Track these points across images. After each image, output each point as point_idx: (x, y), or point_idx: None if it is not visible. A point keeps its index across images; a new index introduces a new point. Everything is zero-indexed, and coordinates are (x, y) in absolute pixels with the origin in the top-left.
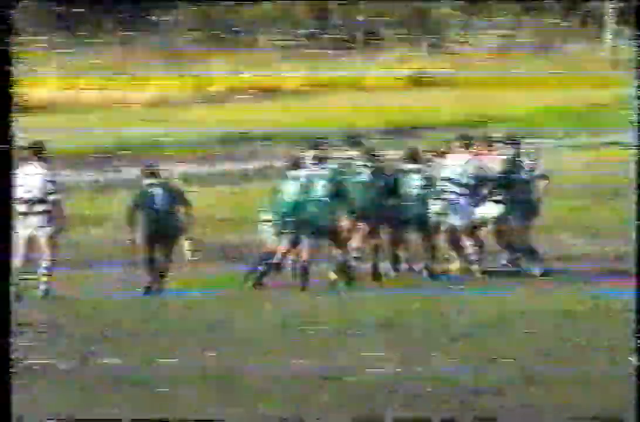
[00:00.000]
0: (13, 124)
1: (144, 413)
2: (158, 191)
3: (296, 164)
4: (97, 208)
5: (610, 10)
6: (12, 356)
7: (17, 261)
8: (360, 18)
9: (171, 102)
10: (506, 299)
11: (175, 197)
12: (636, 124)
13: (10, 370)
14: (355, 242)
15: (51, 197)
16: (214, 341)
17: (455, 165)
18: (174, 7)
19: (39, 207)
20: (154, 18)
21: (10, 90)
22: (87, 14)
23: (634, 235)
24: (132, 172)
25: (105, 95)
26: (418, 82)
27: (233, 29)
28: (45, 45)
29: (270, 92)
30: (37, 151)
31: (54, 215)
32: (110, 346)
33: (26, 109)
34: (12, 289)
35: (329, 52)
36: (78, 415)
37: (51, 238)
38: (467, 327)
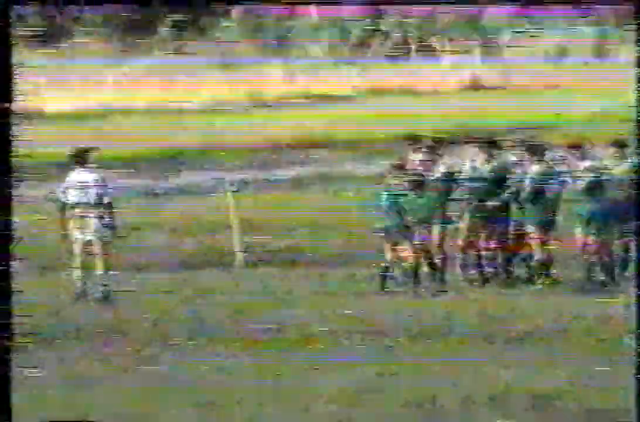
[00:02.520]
0: (12, 129)
1: None
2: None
3: (402, 167)
4: (152, 214)
5: None
6: (12, 356)
7: (75, 265)
8: (413, 23)
9: (225, 108)
10: None
11: None
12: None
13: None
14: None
15: (106, 201)
16: None
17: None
18: (227, 14)
19: (94, 212)
20: (207, 25)
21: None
22: (141, 21)
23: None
24: (188, 178)
25: (158, 101)
26: (473, 87)
27: (286, 35)
28: (100, 51)
29: (323, 98)
30: (84, 158)
31: (108, 220)
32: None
33: (82, 114)
34: (74, 291)
35: (383, 58)
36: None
37: (106, 242)
38: None
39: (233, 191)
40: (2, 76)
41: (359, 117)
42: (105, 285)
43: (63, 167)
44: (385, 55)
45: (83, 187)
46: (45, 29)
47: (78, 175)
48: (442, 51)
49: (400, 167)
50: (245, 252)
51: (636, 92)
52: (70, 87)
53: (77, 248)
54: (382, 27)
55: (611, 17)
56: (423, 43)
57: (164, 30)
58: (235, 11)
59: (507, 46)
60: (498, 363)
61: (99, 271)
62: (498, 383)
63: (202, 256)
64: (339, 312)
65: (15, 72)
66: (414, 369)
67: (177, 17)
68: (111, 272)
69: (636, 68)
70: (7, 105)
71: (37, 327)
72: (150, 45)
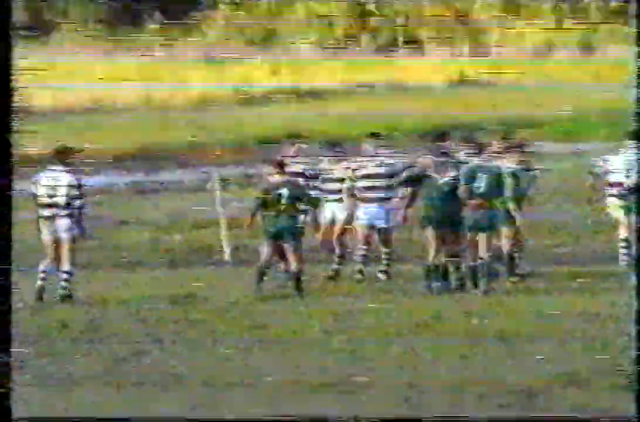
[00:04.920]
0: (13, 128)
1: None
2: None
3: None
4: (136, 211)
5: None
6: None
7: (42, 265)
8: (400, 20)
9: (211, 103)
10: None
11: None
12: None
13: (10, 372)
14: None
15: (76, 203)
16: None
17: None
18: (213, 9)
19: (64, 212)
20: (193, 19)
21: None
22: (127, 15)
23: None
24: (174, 174)
25: (145, 96)
26: (459, 83)
27: (272, 30)
28: (87, 46)
29: (309, 93)
30: (64, 156)
31: (77, 220)
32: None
33: (65, 110)
34: (36, 289)
35: (369, 54)
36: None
37: (73, 242)
38: None
39: (221, 187)
40: (2, 74)
41: (345, 112)
42: (66, 286)
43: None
44: (374, 49)
45: (55, 186)
46: (31, 23)
47: (52, 173)
48: (429, 48)
49: (280, 165)
50: (236, 249)
51: (636, 89)
52: (55, 82)
53: (44, 247)
54: (370, 22)
55: (599, 12)
56: (411, 38)
57: (150, 25)
58: (222, 6)
59: (495, 44)
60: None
61: (62, 271)
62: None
63: (189, 253)
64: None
65: (15, 70)
66: None
67: (164, 12)
68: (73, 273)
69: (636, 65)
70: (7, 102)
71: None
72: (136, 40)
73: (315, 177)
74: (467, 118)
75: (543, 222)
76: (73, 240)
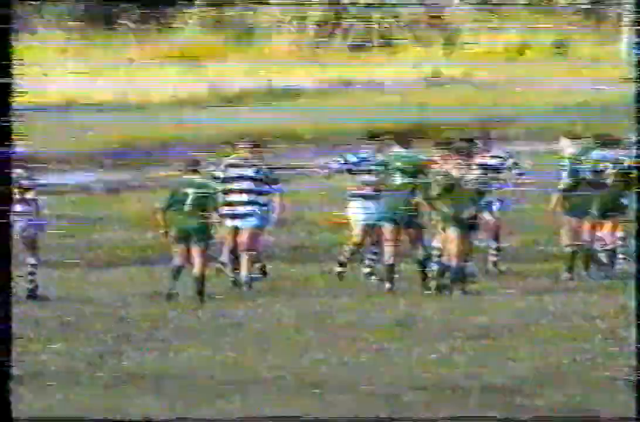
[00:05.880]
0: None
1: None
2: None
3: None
4: (111, 209)
5: (626, 10)
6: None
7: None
8: (375, 19)
9: (186, 102)
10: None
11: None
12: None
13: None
14: None
15: (29, 197)
16: None
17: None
18: (190, 6)
19: (20, 208)
20: (169, 17)
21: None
22: (101, 12)
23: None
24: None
25: (120, 93)
26: (434, 81)
27: (249, 29)
28: (60, 42)
29: (286, 92)
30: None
31: (34, 216)
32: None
33: (39, 107)
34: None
35: (345, 52)
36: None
37: (34, 239)
38: None
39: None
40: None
41: (322, 110)
42: (31, 281)
43: None
44: (348, 48)
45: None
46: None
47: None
48: (403, 47)
49: (193, 164)
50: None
51: (636, 87)
52: (30, 80)
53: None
54: (345, 21)
55: (572, 11)
56: (386, 37)
57: (126, 23)
58: (198, 5)
59: (469, 42)
60: None
61: (29, 267)
62: None
63: (164, 251)
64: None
65: (15, 68)
66: None
67: (140, 10)
68: (36, 270)
69: (636, 66)
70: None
71: None
72: (112, 38)
73: (265, 180)
74: (442, 116)
75: (519, 219)
76: (33, 237)
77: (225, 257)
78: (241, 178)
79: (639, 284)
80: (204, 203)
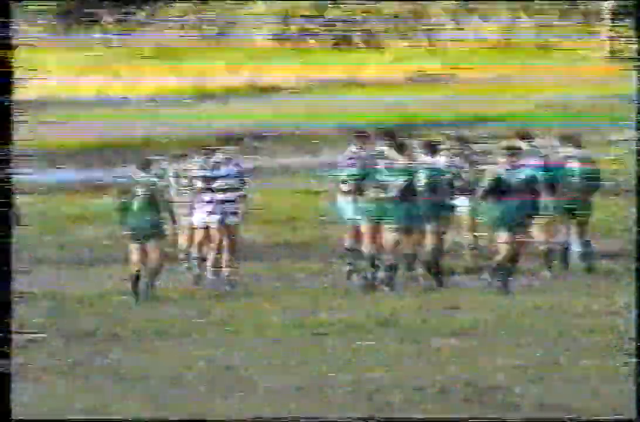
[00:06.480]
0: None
1: None
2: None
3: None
4: (93, 206)
5: (608, 8)
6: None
7: None
8: (356, 15)
9: (167, 99)
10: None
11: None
12: (637, 122)
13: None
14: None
15: None
16: None
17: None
18: (170, 2)
19: None
20: (148, 14)
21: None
22: (79, 10)
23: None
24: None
25: (100, 92)
26: (415, 79)
27: (228, 25)
28: (39, 41)
29: (266, 89)
30: None
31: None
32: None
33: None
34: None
35: (326, 49)
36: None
37: None
38: None
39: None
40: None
41: (302, 108)
42: None
43: None
44: (330, 46)
45: None
46: None
47: None
48: (385, 44)
49: (144, 164)
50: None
51: (636, 88)
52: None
53: None
54: (328, 18)
55: (554, 9)
56: (368, 34)
57: (105, 19)
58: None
59: (451, 40)
60: None
61: None
62: None
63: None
64: None
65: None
66: None
67: (118, 6)
68: None
69: (636, 63)
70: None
71: None
72: (91, 34)
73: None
74: (425, 114)
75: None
76: None
77: (190, 254)
78: (226, 176)
79: (639, 284)
80: (155, 202)
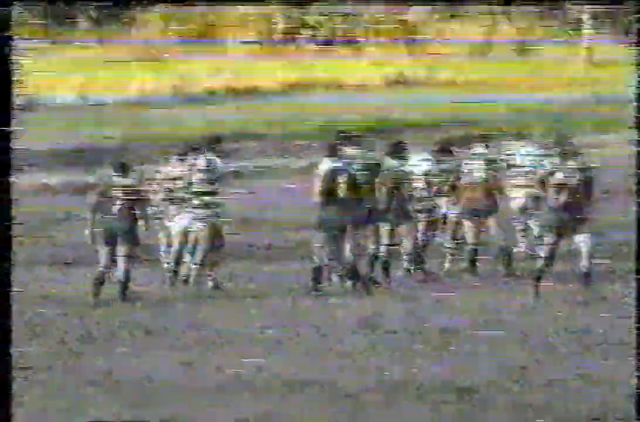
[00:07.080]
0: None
1: None
2: None
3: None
4: (75, 208)
5: (587, 12)
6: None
7: None
8: (338, 19)
9: (148, 101)
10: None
11: None
12: (635, 124)
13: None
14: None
15: None
16: None
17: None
18: (152, 5)
19: None
20: (131, 16)
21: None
22: (63, 11)
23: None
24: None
25: (80, 93)
26: (397, 82)
27: (211, 28)
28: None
29: (249, 91)
30: None
31: None
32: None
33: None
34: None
35: (309, 52)
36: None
37: None
38: None
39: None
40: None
41: (286, 110)
42: None
43: None
44: (311, 49)
45: None
46: None
47: None
48: (367, 47)
49: (121, 167)
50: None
51: (636, 88)
52: None
53: None
54: (309, 21)
55: (534, 12)
56: (349, 37)
57: (86, 22)
58: (160, 3)
59: (432, 42)
60: None
61: None
62: None
63: None
64: None
65: (15, 65)
66: None
67: (100, 8)
68: None
69: (636, 65)
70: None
71: None
72: (72, 37)
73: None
74: (403, 117)
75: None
76: None
77: (170, 255)
78: (208, 178)
79: (639, 286)
80: (132, 205)
